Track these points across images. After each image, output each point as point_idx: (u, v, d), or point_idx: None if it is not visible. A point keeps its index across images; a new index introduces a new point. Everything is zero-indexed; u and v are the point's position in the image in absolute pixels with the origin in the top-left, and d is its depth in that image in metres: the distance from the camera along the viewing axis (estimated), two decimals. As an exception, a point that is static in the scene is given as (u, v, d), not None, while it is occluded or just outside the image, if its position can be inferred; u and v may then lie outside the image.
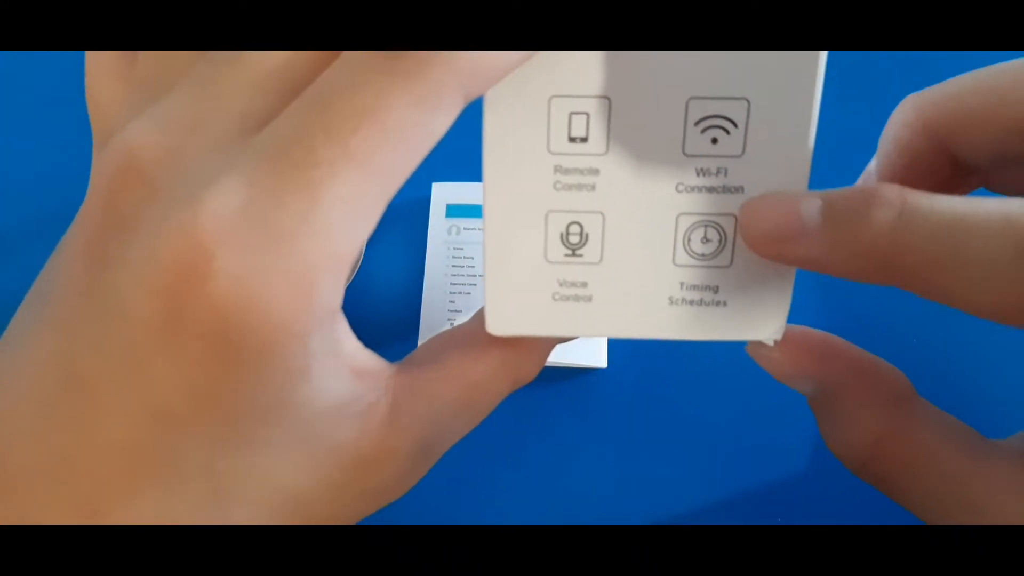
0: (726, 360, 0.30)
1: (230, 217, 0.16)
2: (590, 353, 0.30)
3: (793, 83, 0.18)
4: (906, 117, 0.21)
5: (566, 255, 0.19)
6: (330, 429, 0.18)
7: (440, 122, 0.16)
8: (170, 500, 0.17)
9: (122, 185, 0.17)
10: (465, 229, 0.32)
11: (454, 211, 0.32)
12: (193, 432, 0.17)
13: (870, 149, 0.22)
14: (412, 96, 0.16)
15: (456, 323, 0.30)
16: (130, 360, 0.16)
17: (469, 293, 0.31)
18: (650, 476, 0.29)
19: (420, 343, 0.30)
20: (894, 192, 0.17)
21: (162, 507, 0.17)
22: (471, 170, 0.33)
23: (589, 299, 0.20)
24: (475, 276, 0.31)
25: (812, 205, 0.18)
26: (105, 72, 0.20)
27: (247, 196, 0.16)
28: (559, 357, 0.30)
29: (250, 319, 0.16)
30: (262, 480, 0.17)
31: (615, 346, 0.31)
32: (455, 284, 0.31)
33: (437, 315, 0.30)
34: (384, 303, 0.32)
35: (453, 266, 0.31)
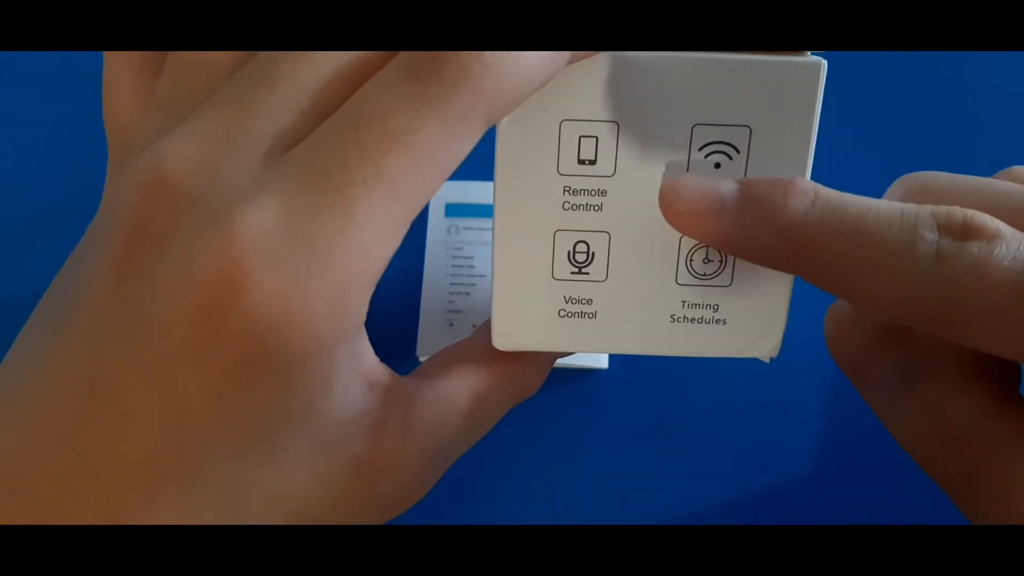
0: (726, 362, 0.32)
1: (266, 233, 0.17)
2: (591, 354, 0.32)
3: (792, 113, 0.20)
4: (892, 194, 0.23)
5: (572, 273, 0.21)
6: (346, 439, 0.19)
7: (465, 145, 0.18)
8: (189, 509, 0.18)
9: (154, 199, 0.18)
10: (464, 228, 0.34)
11: (453, 211, 0.34)
12: (217, 443, 0.18)
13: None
14: (441, 120, 0.17)
15: (455, 323, 0.32)
16: (161, 372, 0.17)
17: (468, 293, 0.32)
18: (650, 477, 0.31)
19: (419, 343, 0.32)
20: (809, 184, 0.20)
21: (181, 516, 0.18)
22: (471, 170, 0.35)
23: (594, 315, 0.22)
24: (474, 276, 0.33)
25: (731, 187, 0.20)
26: (125, 87, 0.21)
27: (283, 212, 0.17)
28: (560, 358, 0.31)
29: (284, 334, 0.17)
30: (279, 489, 0.19)
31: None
32: (454, 284, 0.33)
33: (436, 315, 0.32)
34: (383, 303, 0.33)
35: (452, 266, 0.33)
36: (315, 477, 0.19)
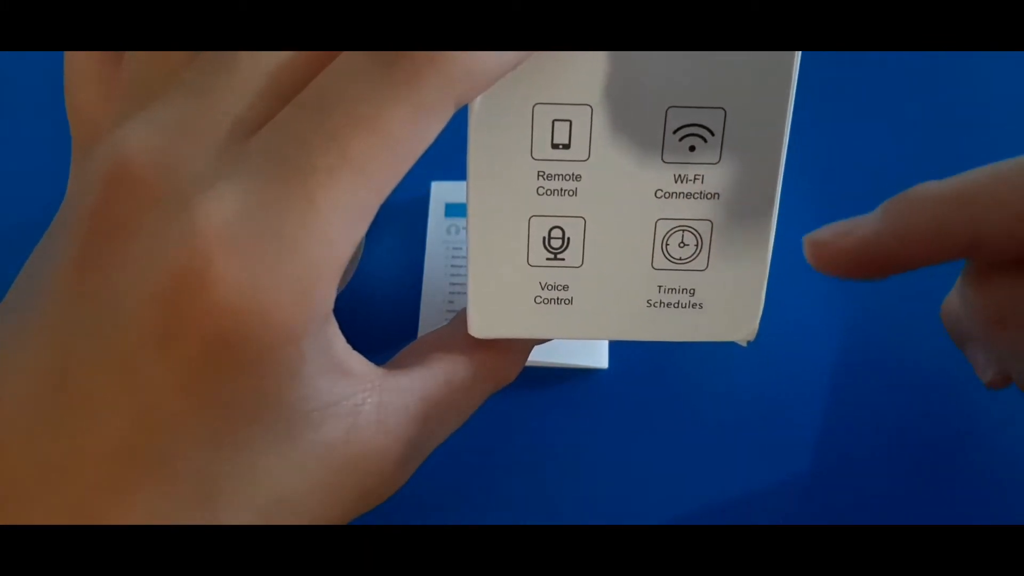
0: (727, 361, 0.32)
1: (230, 223, 0.17)
2: (591, 353, 0.32)
3: (767, 95, 0.20)
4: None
5: (548, 259, 0.22)
6: (319, 429, 0.19)
7: (433, 129, 0.18)
8: (161, 503, 0.18)
9: (116, 191, 0.18)
10: (464, 228, 0.34)
11: (453, 210, 0.34)
12: (186, 435, 0.18)
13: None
14: (408, 104, 0.17)
15: (455, 323, 0.32)
16: (126, 365, 0.18)
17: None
18: (650, 477, 0.30)
19: (417, 343, 0.32)
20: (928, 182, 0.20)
21: (153, 510, 0.18)
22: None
23: (570, 301, 0.22)
24: (474, 276, 0.33)
25: (865, 215, 0.20)
26: (86, 76, 0.21)
27: (247, 202, 0.17)
28: (560, 358, 0.31)
29: (250, 324, 0.17)
30: (252, 481, 0.19)
31: (616, 347, 0.32)
32: (454, 284, 0.33)
33: (436, 315, 0.32)
34: (382, 303, 0.34)
35: (452, 266, 0.33)
36: (288, 468, 0.19)
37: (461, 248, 0.34)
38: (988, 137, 0.37)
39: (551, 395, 0.32)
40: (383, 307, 0.34)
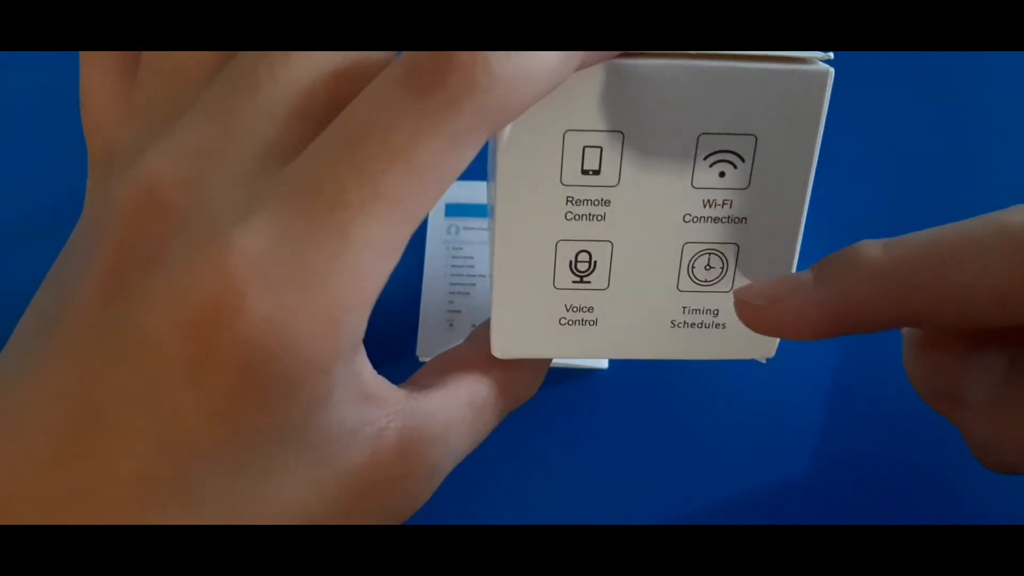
0: (727, 362, 0.32)
1: (261, 256, 0.17)
2: (590, 354, 0.32)
3: (798, 121, 0.20)
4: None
5: (574, 282, 0.22)
6: (343, 454, 0.19)
7: (466, 158, 0.18)
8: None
9: (144, 216, 0.18)
10: (465, 228, 0.34)
11: (453, 210, 0.34)
12: (213, 461, 0.18)
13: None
14: (442, 136, 0.17)
15: (455, 323, 0.32)
16: (151, 393, 0.17)
17: (468, 293, 0.33)
18: (650, 477, 0.31)
19: (419, 343, 0.32)
20: (867, 242, 0.19)
21: None
22: (471, 169, 0.35)
23: (595, 323, 0.22)
24: (474, 276, 0.33)
25: (800, 274, 0.20)
26: (104, 87, 0.21)
27: (278, 235, 0.17)
28: (560, 358, 0.32)
29: (280, 357, 0.17)
30: (275, 505, 0.19)
31: (615, 347, 0.33)
32: (454, 284, 0.33)
33: (436, 315, 0.32)
34: (382, 303, 0.33)
35: (452, 266, 0.33)
36: (314, 493, 0.19)
37: (461, 248, 0.33)
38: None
39: (551, 395, 0.32)
40: (383, 307, 0.33)
